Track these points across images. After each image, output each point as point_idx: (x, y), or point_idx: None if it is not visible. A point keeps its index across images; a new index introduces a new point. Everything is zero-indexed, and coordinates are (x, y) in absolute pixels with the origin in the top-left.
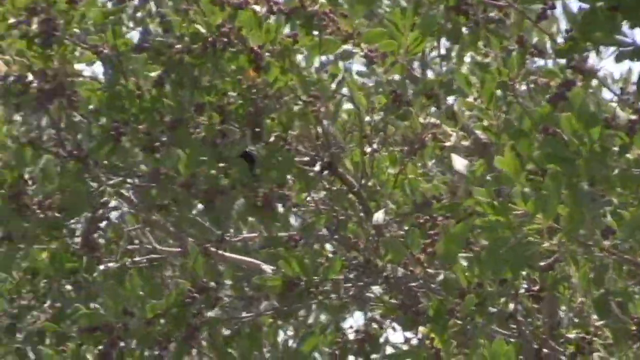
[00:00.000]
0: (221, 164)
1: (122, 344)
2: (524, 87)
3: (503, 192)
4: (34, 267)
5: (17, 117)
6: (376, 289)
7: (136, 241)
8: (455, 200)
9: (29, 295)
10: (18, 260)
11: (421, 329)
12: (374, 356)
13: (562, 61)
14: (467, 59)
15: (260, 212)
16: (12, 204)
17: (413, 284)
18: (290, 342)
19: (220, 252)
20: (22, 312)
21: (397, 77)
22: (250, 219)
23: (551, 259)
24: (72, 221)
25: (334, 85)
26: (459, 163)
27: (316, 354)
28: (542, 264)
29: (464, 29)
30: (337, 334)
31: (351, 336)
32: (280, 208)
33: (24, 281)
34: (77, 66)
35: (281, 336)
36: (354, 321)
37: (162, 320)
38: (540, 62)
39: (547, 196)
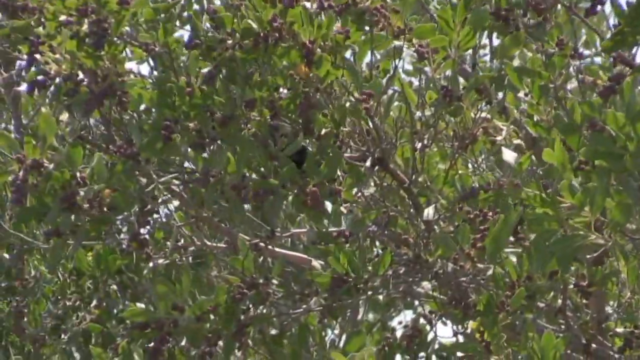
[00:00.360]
0: (271, 162)
1: (171, 340)
2: (573, 85)
3: (549, 185)
4: (79, 268)
5: (63, 118)
6: (426, 285)
7: (182, 239)
8: (502, 192)
9: (74, 296)
10: (63, 261)
11: (471, 323)
12: (422, 354)
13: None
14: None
15: (309, 210)
16: (64, 204)
17: (463, 278)
18: (337, 341)
19: (270, 247)
20: (68, 313)
21: (448, 72)
22: (299, 216)
23: (598, 252)
24: (120, 217)
25: (384, 81)
26: (509, 155)
27: None
28: (589, 256)
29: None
30: (384, 332)
31: (399, 332)
32: (329, 205)
33: (69, 282)
34: (127, 64)
35: (328, 335)
36: (403, 317)
37: (211, 317)
38: (587, 60)
39: (594, 189)
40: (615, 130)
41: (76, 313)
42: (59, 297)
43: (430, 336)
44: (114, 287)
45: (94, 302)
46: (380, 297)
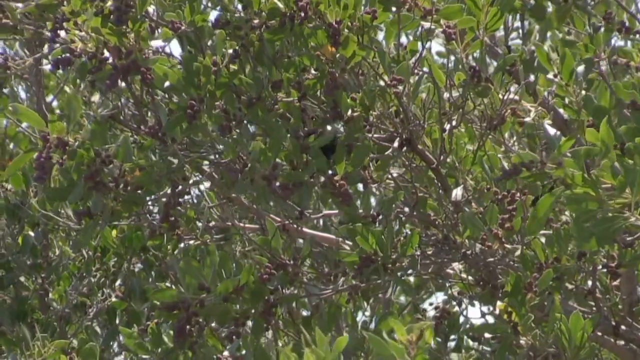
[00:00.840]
0: (302, 155)
1: (200, 320)
2: (604, 67)
3: (589, 166)
4: (104, 245)
5: (95, 99)
6: (456, 266)
7: (211, 221)
8: (545, 170)
9: (99, 274)
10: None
11: (499, 303)
12: (453, 336)
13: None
14: (549, 36)
15: (337, 199)
16: (88, 182)
17: (491, 259)
18: (368, 323)
19: (298, 228)
20: (93, 290)
21: (476, 53)
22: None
23: (636, 235)
24: (151, 198)
25: (412, 61)
26: (551, 130)
27: None
28: (629, 238)
29: (549, 7)
30: (415, 314)
31: (430, 313)
32: (361, 187)
33: (94, 259)
34: (154, 43)
35: (359, 317)
36: (434, 299)
37: (239, 297)
38: (619, 42)
39: (636, 171)
40: None
41: (101, 290)
42: (84, 274)
43: (461, 318)
44: (139, 265)
45: (119, 281)
46: (411, 278)
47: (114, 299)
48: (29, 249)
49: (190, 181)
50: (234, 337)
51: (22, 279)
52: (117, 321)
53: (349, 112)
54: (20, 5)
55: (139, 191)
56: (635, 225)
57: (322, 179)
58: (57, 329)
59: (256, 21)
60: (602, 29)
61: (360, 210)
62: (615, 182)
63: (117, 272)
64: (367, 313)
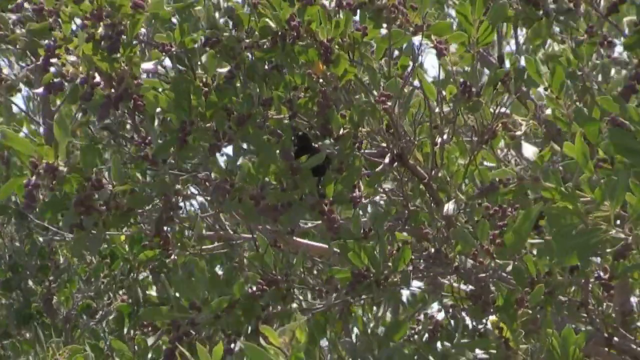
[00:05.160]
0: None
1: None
2: (596, 75)
3: (567, 179)
4: (113, 251)
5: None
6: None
7: (207, 231)
8: (523, 186)
9: (106, 280)
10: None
11: (490, 318)
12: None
13: None
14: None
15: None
16: (79, 207)
17: (482, 274)
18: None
19: (291, 240)
20: (99, 294)
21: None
22: None
23: (617, 246)
24: (142, 212)
25: (404, 76)
26: (529, 150)
27: None
28: (609, 250)
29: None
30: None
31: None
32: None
33: (102, 265)
34: (145, 65)
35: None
36: (430, 309)
37: (231, 315)
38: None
39: (614, 184)
40: (636, 125)
41: (107, 294)
42: (92, 280)
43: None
44: (146, 272)
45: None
46: (405, 292)
47: (119, 303)
48: (36, 252)
49: (185, 193)
50: (227, 355)
51: (29, 282)
52: (125, 327)
53: (340, 130)
54: (13, 16)
55: (128, 212)
56: (616, 238)
57: (311, 201)
58: (62, 333)
59: (247, 40)
60: (585, 43)
61: (351, 229)
62: (593, 195)
63: (124, 279)
64: (372, 324)
